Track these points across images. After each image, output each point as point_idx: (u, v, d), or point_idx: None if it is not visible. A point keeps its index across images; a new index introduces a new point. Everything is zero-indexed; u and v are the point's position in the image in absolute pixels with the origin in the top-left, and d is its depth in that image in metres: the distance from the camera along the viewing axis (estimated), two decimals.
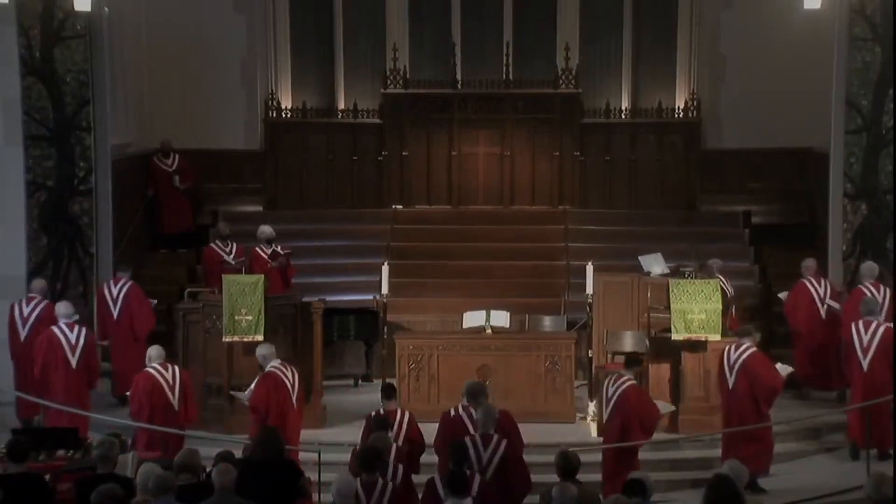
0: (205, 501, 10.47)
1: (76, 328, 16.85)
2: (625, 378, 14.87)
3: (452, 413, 13.85)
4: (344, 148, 23.38)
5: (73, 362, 16.73)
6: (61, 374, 16.70)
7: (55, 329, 16.84)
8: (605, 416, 15.16)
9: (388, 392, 14.43)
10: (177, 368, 15.58)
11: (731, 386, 15.64)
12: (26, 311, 17.55)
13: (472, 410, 13.59)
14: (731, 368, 15.63)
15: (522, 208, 23.08)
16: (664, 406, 15.59)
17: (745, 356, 15.59)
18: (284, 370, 15.46)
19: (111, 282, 18.70)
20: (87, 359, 16.84)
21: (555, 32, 23.30)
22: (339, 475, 11.38)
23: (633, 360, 15.36)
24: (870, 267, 17.98)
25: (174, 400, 15.32)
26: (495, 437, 12.88)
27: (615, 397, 14.82)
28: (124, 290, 18.55)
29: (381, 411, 14.02)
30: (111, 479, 10.67)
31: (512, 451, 13.03)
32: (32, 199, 18.72)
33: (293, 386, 15.41)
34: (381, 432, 12.85)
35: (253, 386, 15.52)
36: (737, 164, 23.19)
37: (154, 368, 15.43)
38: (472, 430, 13.30)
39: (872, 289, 17.68)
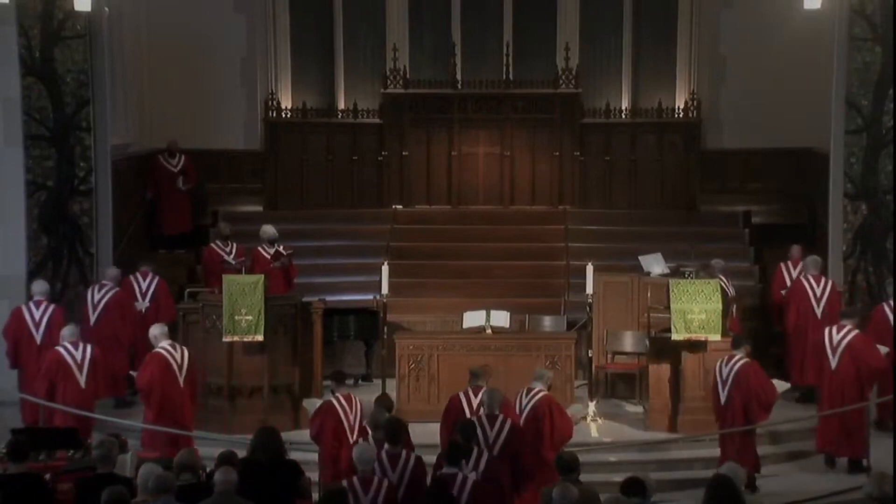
0: (204, 501, 10.46)
1: (43, 305, 17.28)
2: (738, 357, 15.25)
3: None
4: (344, 148, 23.38)
5: (38, 338, 17.14)
6: (25, 351, 17.23)
7: (23, 306, 17.38)
8: (722, 398, 15.32)
9: (340, 378, 14.83)
10: (88, 347, 16.04)
11: (833, 367, 16.05)
12: (97, 296, 18.11)
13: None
14: (833, 350, 16.08)
15: (522, 208, 23.08)
16: (780, 384, 15.75)
17: (848, 338, 16.00)
18: (173, 351, 15.65)
19: (139, 275, 19.07)
20: (51, 335, 17.08)
21: (555, 32, 23.30)
22: (358, 445, 11.98)
23: (737, 341, 15.64)
24: (814, 260, 18.52)
25: (81, 378, 15.82)
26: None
27: (731, 377, 15.14)
28: (154, 283, 19.05)
29: (339, 395, 14.43)
30: (111, 479, 10.68)
31: (521, 434, 13.55)
32: (32, 199, 18.71)
33: (181, 367, 15.61)
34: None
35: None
36: (737, 164, 23.20)
37: (63, 347, 15.95)
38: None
39: (814, 281, 18.20)
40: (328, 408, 14.38)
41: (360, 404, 14.56)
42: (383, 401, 13.85)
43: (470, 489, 11.48)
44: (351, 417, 14.35)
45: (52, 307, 17.35)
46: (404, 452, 12.16)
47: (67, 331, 16.17)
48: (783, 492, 15.28)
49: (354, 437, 14.18)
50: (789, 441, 16.69)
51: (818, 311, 18.02)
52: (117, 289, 18.33)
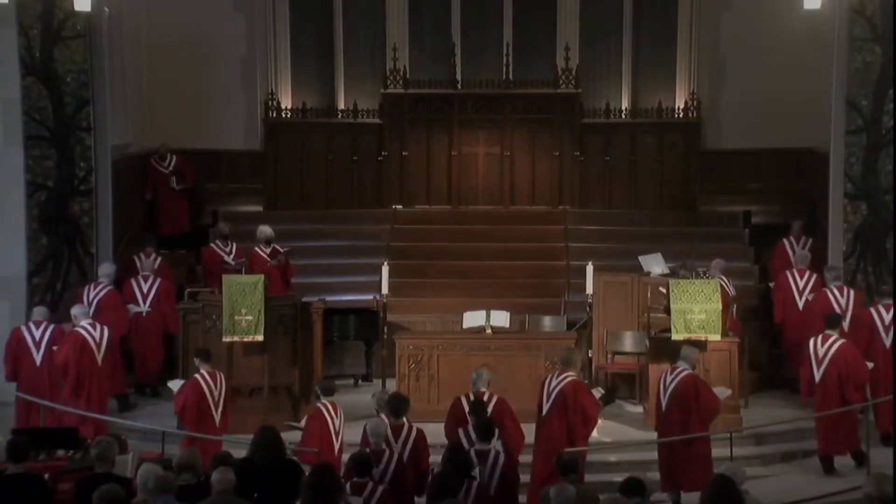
0: (204, 501, 10.46)
1: (100, 286, 18.08)
2: (834, 338, 15.62)
3: None
4: (344, 148, 23.37)
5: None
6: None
7: (84, 287, 18.09)
8: (816, 377, 15.62)
9: (205, 356, 15.33)
10: (51, 328, 16.45)
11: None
12: (146, 286, 18.92)
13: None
14: (886, 330, 16.52)
15: (522, 208, 23.08)
16: (869, 364, 15.98)
17: None
18: (92, 330, 16.08)
19: (143, 255, 19.75)
20: (102, 315, 17.55)
21: (555, 33, 23.28)
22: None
23: (834, 319, 16.00)
24: (803, 255, 19.20)
25: (37, 357, 16.30)
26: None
27: (828, 357, 15.49)
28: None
29: (204, 373, 15.06)
30: (109, 479, 10.67)
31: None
32: (32, 199, 18.73)
33: (99, 345, 16.04)
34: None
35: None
36: (737, 164, 23.19)
37: (25, 326, 16.47)
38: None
39: (798, 275, 18.75)
40: (193, 385, 15.04)
41: (224, 381, 15.12)
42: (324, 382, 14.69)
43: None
44: (216, 394, 15.04)
45: (107, 289, 18.00)
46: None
47: (36, 310, 16.67)
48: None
49: (219, 412, 14.95)
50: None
51: (800, 304, 18.54)
52: (160, 280, 19.07)
